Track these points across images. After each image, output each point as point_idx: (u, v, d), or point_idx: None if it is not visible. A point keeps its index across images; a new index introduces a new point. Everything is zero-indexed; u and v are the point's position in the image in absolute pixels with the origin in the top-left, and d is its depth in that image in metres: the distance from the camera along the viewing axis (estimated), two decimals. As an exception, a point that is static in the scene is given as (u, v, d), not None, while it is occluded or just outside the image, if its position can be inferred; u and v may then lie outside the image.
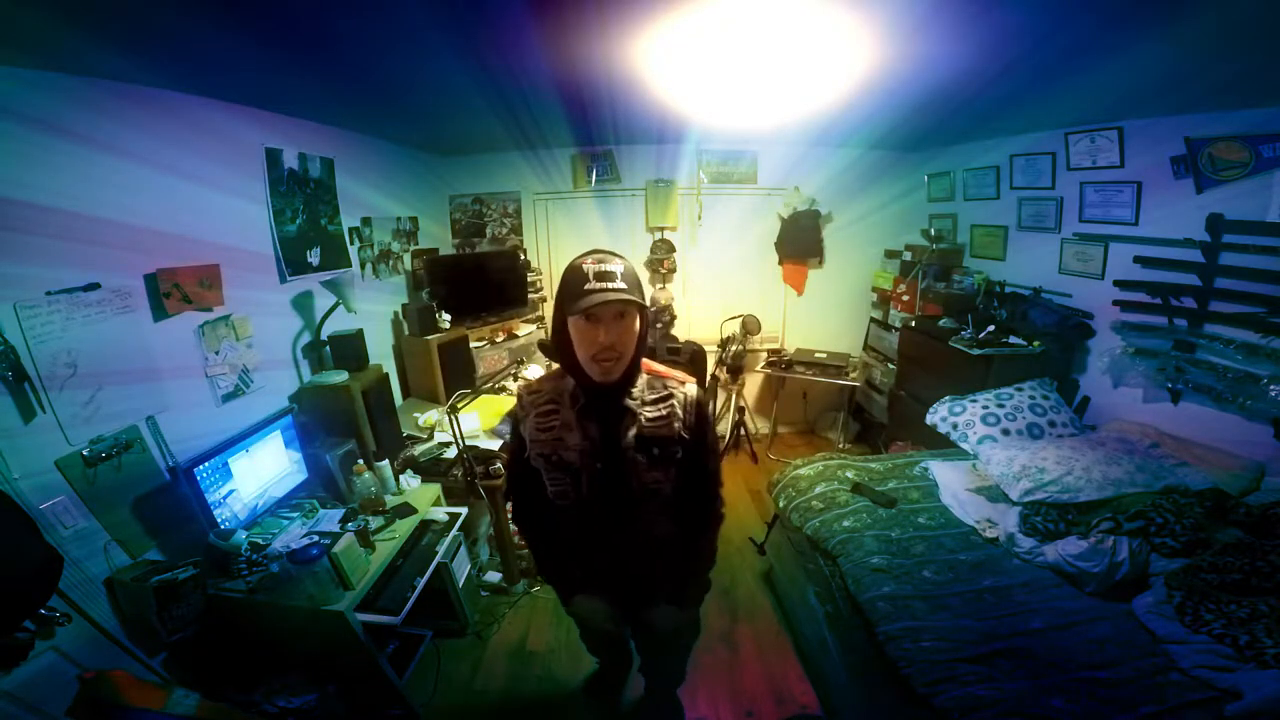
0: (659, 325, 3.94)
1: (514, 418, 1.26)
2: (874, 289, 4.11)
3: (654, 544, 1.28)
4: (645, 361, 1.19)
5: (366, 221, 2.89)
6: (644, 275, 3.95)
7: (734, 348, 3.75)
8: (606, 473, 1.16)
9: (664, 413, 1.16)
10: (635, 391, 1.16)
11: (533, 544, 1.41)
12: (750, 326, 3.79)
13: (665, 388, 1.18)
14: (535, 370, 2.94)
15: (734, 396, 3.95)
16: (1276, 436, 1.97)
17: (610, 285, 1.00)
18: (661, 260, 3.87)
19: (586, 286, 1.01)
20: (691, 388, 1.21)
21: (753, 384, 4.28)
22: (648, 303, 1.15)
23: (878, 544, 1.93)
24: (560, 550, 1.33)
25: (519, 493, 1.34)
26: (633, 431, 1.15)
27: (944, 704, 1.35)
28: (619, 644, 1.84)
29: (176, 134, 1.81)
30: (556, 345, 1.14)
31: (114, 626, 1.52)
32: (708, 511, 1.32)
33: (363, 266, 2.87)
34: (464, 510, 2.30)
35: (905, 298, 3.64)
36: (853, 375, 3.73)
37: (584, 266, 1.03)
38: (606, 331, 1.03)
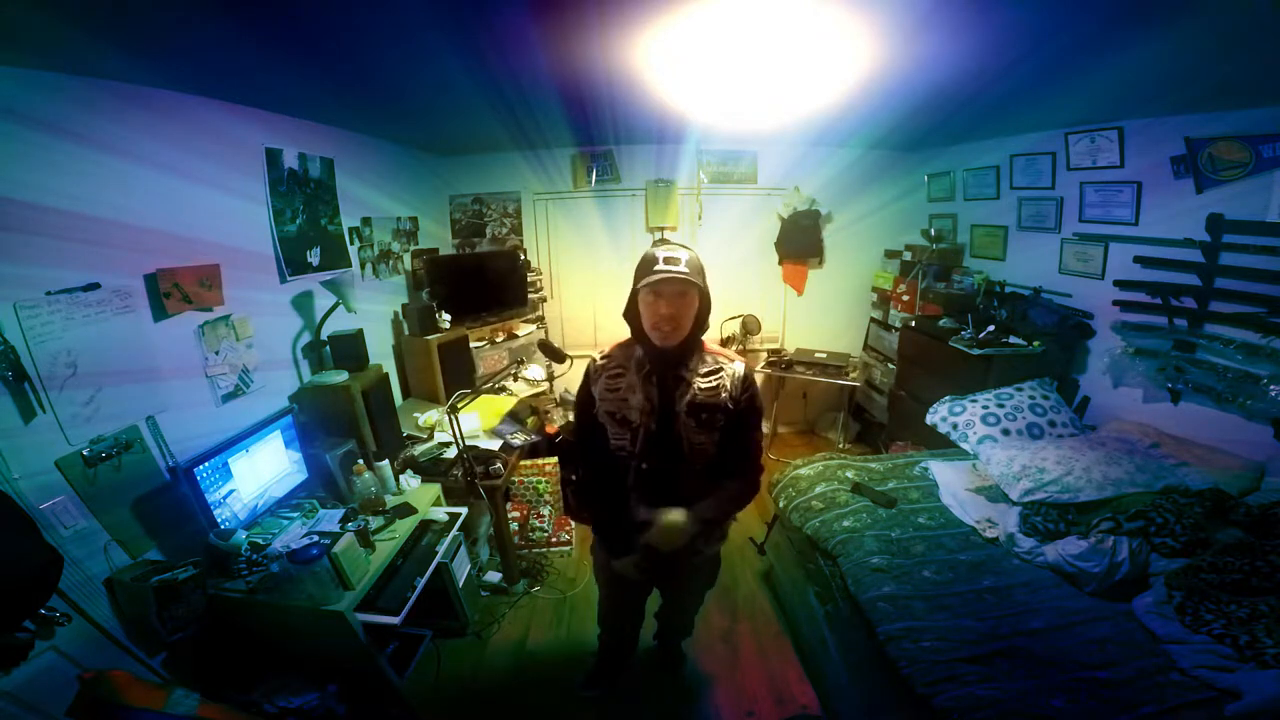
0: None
1: (586, 378, 1.47)
2: (874, 289, 4.11)
3: (694, 497, 1.41)
4: (705, 342, 1.41)
5: (366, 221, 2.89)
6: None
7: (734, 348, 3.75)
8: (660, 432, 1.35)
9: (714, 384, 1.36)
10: (693, 364, 1.36)
11: (589, 498, 1.56)
12: (750, 326, 3.79)
13: (717, 363, 1.39)
14: (535, 370, 2.93)
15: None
16: (1276, 436, 1.97)
17: (674, 269, 1.24)
18: (661, 260, 3.87)
19: (655, 267, 1.25)
20: (740, 365, 1.40)
21: (753, 384, 4.27)
22: (708, 290, 1.36)
23: (878, 544, 1.93)
24: (615, 503, 1.47)
25: (586, 442, 1.49)
26: (687, 398, 1.34)
27: (944, 704, 1.35)
28: (635, 621, 1.92)
29: (176, 134, 1.81)
30: (629, 317, 1.38)
31: (114, 626, 1.52)
32: (748, 470, 1.45)
33: (363, 266, 2.87)
34: (464, 510, 2.30)
35: (905, 298, 3.64)
36: (853, 375, 3.73)
37: (656, 254, 1.27)
38: (668, 304, 1.26)
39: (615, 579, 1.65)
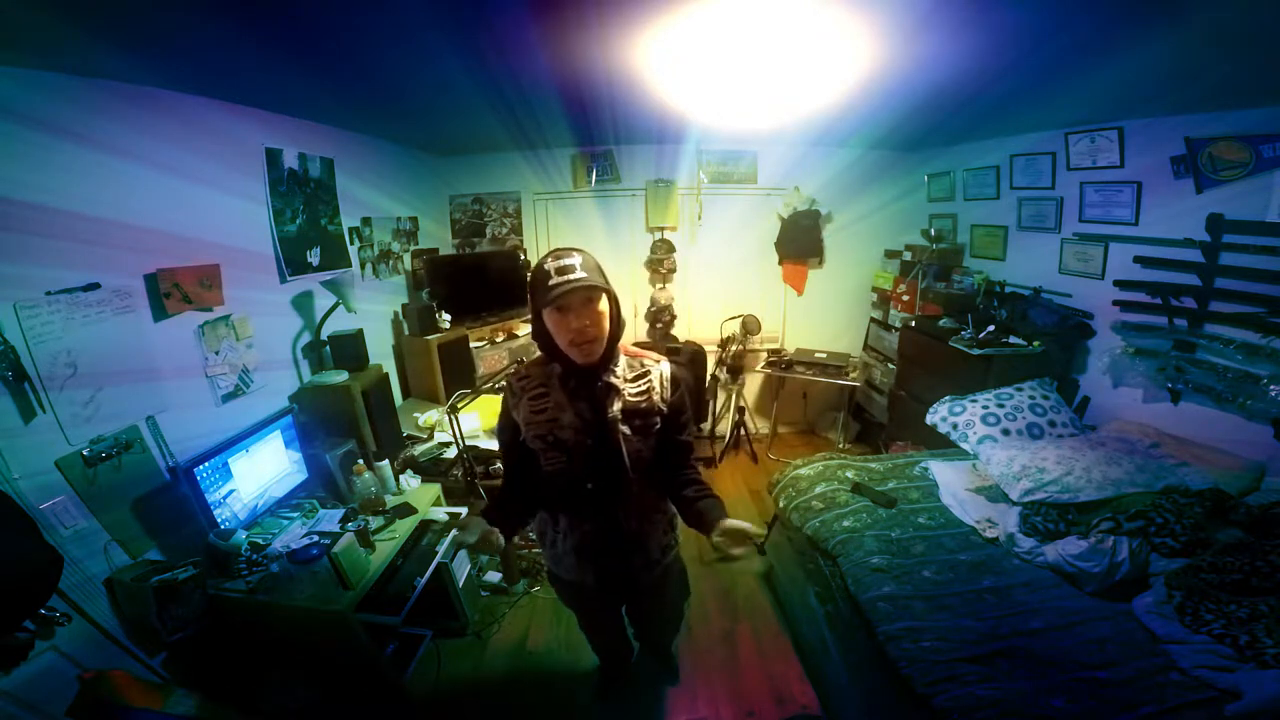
0: (659, 325, 3.95)
1: (506, 404, 1.34)
2: (874, 289, 4.11)
3: (641, 508, 1.38)
4: (623, 345, 1.31)
5: (366, 221, 2.89)
6: (644, 275, 3.97)
7: (734, 348, 3.75)
8: (597, 446, 1.26)
9: (644, 388, 1.29)
10: (618, 370, 1.27)
11: (506, 513, 1.36)
12: (750, 326, 3.79)
13: (643, 366, 1.32)
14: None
15: (734, 396, 3.95)
16: (1276, 436, 1.97)
17: (570, 276, 1.12)
18: (661, 260, 3.87)
19: (550, 282, 1.12)
20: (666, 365, 1.34)
21: (753, 384, 4.27)
22: (613, 286, 1.25)
23: (878, 544, 1.93)
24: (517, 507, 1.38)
25: (514, 473, 1.39)
26: (618, 405, 1.26)
27: (944, 704, 1.35)
28: (618, 632, 1.89)
29: (176, 134, 1.81)
30: (538, 338, 1.26)
31: (114, 626, 1.52)
32: (693, 468, 1.39)
33: (363, 266, 2.87)
34: (464, 510, 2.30)
35: (905, 298, 3.64)
36: (853, 375, 3.73)
37: (545, 265, 1.15)
38: (577, 317, 1.15)
39: (580, 600, 1.62)
